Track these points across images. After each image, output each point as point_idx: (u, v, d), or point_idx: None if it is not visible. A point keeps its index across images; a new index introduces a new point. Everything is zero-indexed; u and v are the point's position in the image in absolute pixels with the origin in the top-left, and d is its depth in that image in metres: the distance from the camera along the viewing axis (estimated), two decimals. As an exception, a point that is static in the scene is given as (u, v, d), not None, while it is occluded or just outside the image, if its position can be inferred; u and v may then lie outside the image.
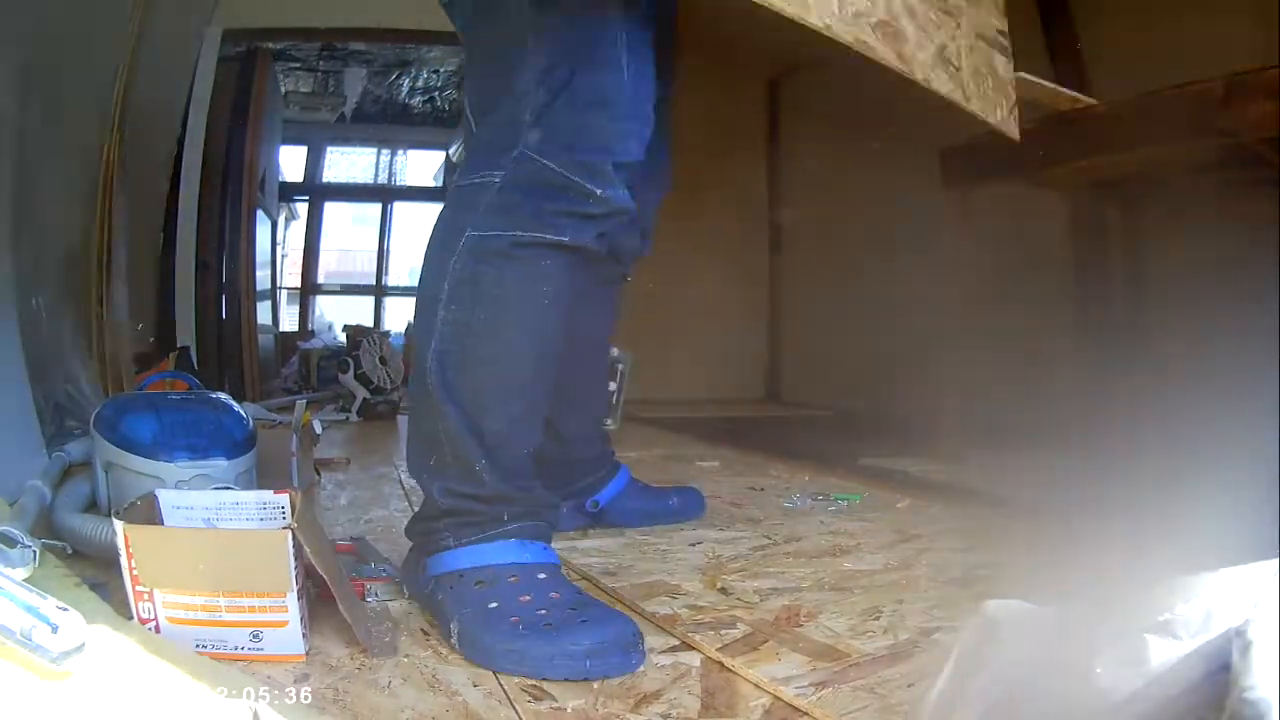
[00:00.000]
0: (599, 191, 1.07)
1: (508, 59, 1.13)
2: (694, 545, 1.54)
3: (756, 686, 0.92)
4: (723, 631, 1.08)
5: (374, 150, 9.69)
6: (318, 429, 2.11)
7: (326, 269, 9.79)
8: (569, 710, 0.86)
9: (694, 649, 1.03)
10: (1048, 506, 1.75)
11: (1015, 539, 1.59)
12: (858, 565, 1.41)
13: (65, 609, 0.78)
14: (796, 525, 1.71)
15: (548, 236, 1.08)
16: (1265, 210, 1.87)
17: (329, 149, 9.43)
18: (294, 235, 9.41)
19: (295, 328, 8.63)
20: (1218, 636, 0.56)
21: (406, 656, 0.98)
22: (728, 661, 0.98)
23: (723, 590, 1.26)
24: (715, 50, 5.02)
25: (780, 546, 1.54)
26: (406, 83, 8.08)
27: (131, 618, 0.93)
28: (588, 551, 1.48)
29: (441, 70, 7.77)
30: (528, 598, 1.02)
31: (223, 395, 1.70)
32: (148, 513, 1.02)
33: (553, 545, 1.16)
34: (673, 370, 4.92)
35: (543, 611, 1.00)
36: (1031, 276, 2.84)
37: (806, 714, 0.86)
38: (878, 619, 1.14)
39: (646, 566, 1.39)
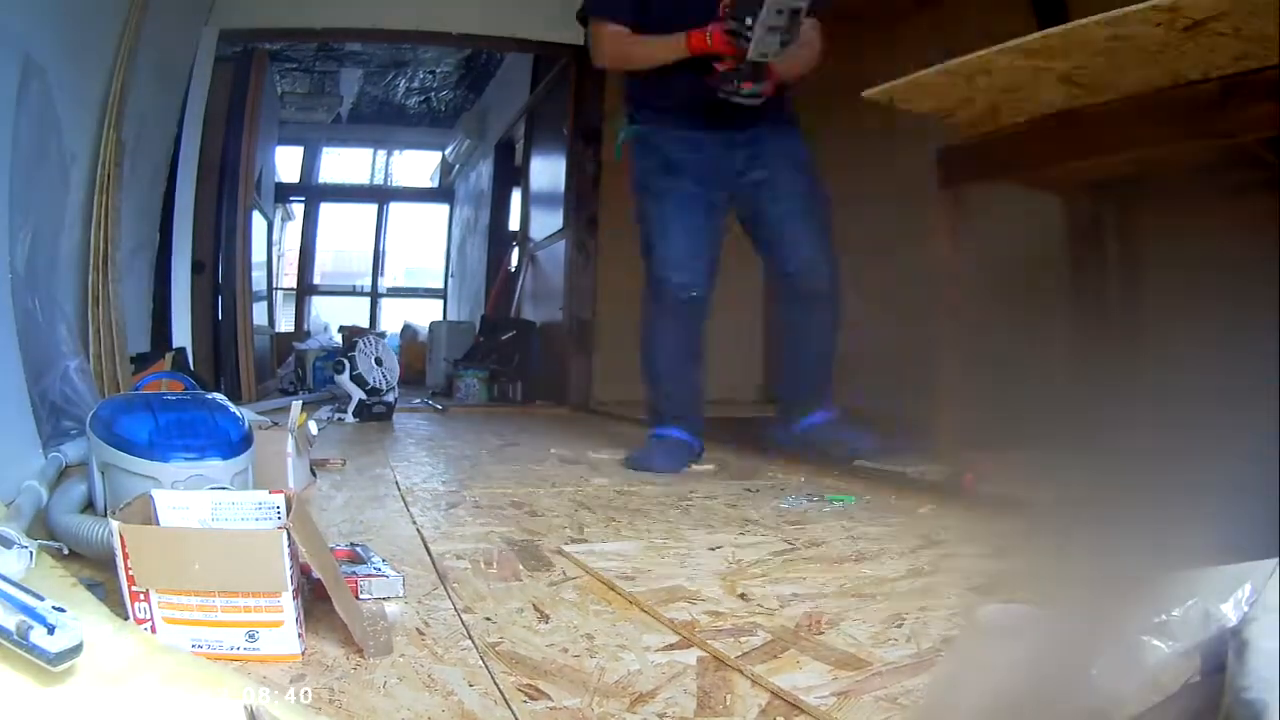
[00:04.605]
0: None
1: None
2: (714, 550, 1.53)
3: (755, 683, 0.92)
4: (742, 639, 1.06)
5: (370, 151, 9.70)
6: (313, 430, 2.11)
7: (322, 269, 9.81)
8: (565, 709, 0.86)
9: (698, 648, 1.03)
10: (1054, 509, 1.75)
11: (1035, 544, 1.58)
12: (880, 571, 1.39)
13: (61, 609, 0.77)
14: (818, 530, 1.70)
15: None
16: (1263, 211, 1.87)
17: (325, 149, 9.44)
18: (290, 236, 9.42)
19: (291, 328, 8.65)
20: (1213, 637, 0.56)
21: (402, 656, 0.98)
22: (747, 669, 0.96)
23: (743, 596, 1.25)
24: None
25: (801, 552, 1.52)
26: (402, 83, 8.08)
27: (128, 618, 0.93)
28: (606, 555, 1.46)
29: (437, 71, 7.78)
30: None
31: (219, 396, 1.70)
32: (144, 513, 1.02)
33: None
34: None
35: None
36: (1028, 278, 2.84)
37: (805, 712, 0.86)
38: (900, 626, 1.12)
39: (665, 571, 1.38)
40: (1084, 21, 1.64)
